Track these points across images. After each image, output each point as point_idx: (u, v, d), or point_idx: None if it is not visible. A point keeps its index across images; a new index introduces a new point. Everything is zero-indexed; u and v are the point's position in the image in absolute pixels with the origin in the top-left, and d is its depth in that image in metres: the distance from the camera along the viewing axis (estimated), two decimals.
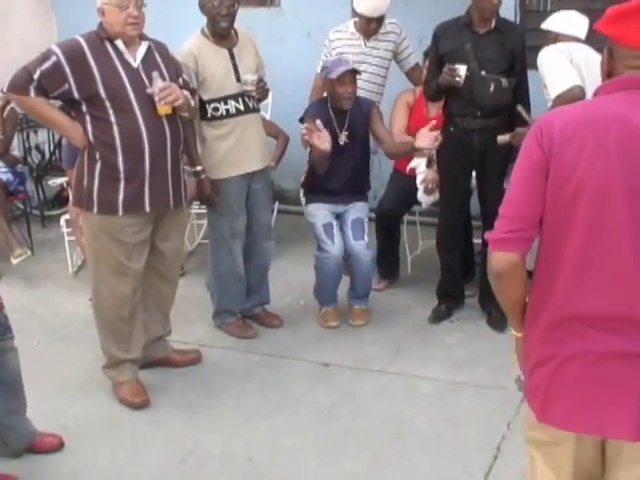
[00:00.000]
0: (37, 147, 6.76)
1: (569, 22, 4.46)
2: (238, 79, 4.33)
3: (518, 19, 5.40)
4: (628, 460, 2.11)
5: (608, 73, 2.02)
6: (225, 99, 4.32)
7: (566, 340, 2.02)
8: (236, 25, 4.37)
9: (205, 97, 4.30)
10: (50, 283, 5.62)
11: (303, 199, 4.88)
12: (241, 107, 4.37)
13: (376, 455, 3.62)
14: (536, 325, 2.09)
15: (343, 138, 4.62)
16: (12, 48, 6.26)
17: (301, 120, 4.63)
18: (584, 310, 1.98)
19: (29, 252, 6.01)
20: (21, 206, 6.41)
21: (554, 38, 4.38)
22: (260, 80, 4.37)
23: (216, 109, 4.33)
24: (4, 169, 6.06)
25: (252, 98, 4.40)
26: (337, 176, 4.65)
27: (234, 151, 4.39)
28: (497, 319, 4.72)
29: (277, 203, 6.01)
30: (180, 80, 3.94)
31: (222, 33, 4.30)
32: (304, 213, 4.88)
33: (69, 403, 4.05)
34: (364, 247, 4.68)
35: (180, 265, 4.31)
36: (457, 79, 4.31)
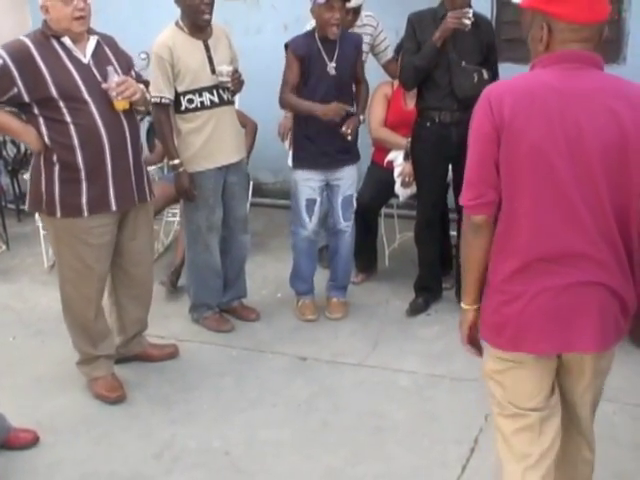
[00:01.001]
0: (12, 141, 6.69)
1: None
2: (213, 71, 4.30)
3: (495, 12, 5.40)
4: (580, 369, 2.52)
5: (547, 45, 2.29)
6: (200, 91, 4.29)
7: (533, 278, 2.33)
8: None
9: (180, 89, 4.27)
10: (25, 277, 5.57)
11: (290, 161, 4.71)
12: (215, 99, 4.34)
13: (354, 449, 3.62)
14: (498, 273, 2.39)
15: (332, 70, 4.44)
16: None
17: (286, 47, 4.49)
18: (546, 253, 2.31)
19: (4, 246, 5.98)
20: None
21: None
22: (235, 71, 4.35)
23: (191, 101, 4.30)
24: None
25: (226, 90, 4.37)
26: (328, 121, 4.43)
27: (209, 144, 4.36)
28: None
29: (250, 195, 5.97)
30: (132, 73, 3.88)
31: (203, 25, 4.27)
32: (291, 178, 4.69)
33: (44, 398, 4.02)
34: (351, 227, 4.73)
35: (152, 262, 4.27)
36: (467, 21, 4.21)
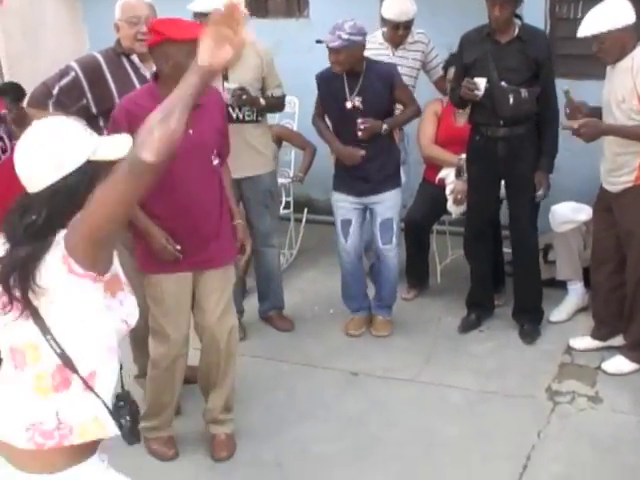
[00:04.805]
0: None
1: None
2: None
3: (548, 27, 5.37)
4: None
5: None
6: None
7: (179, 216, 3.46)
8: (261, 36, 4.38)
9: None
10: None
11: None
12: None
13: (405, 465, 3.63)
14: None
15: (355, 102, 4.44)
16: (44, 61, 6.26)
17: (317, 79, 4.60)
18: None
19: None
20: None
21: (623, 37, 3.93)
22: (240, 89, 4.34)
23: None
24: None
25: (235, 109, 4.42)
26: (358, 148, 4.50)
27: None
28: (529, 332, 4.69)
29: (305, 212, 6.08)
30: None
31: None
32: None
33: None
34: (392, 250, 4.66)
35: None
36: (476, 92, 4.30)
